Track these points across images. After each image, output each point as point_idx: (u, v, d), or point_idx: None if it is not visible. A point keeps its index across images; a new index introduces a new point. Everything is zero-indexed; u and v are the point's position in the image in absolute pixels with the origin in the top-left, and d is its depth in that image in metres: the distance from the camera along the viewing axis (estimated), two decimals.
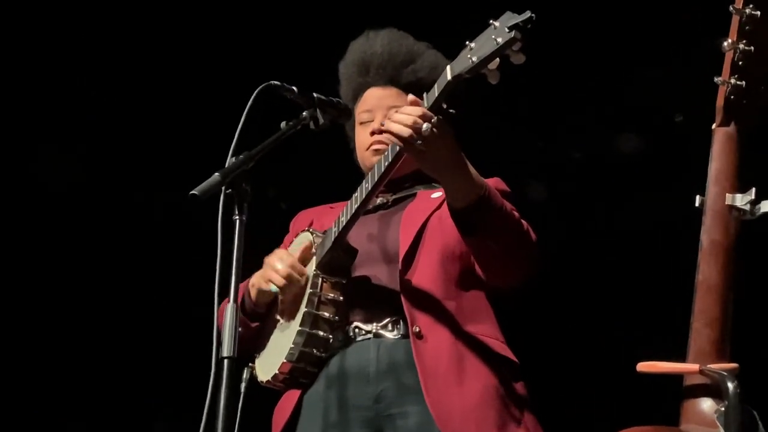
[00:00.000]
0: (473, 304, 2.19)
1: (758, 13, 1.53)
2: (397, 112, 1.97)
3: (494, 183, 2.19)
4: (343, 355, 2.16)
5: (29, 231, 4.09)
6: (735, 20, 1.55)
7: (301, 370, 2.18)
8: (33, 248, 4.11)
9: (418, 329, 2.11)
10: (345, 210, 2.18)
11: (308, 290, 2.17)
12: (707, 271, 1.51)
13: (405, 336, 2.13)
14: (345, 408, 2.12)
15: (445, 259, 2.19)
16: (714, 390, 1.45)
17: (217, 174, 1.84)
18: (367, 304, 2.18)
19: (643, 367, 1.50)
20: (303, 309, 2.15)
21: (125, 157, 4.07)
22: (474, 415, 2.05)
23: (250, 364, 2.28)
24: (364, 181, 2.15)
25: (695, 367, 1.46)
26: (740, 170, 1.56)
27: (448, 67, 1.92)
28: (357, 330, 2.18)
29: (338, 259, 2.19)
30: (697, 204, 1.56)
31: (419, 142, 1.91)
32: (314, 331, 2.14)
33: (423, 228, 2.22)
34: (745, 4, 1.54)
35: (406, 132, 1.92)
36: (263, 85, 1.97)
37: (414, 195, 2.35)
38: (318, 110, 2.05)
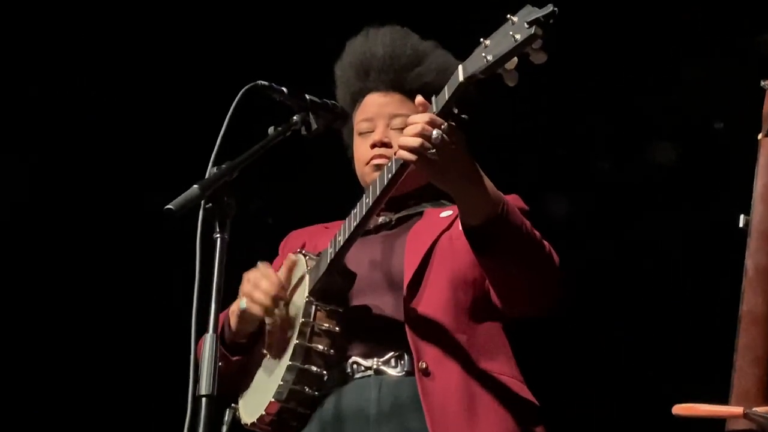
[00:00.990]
0: (487, 337, 2.19)
1: None
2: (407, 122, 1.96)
3: (511, 200, 2.18)
4: (340, 394, 2.15)
5: None
6: None
7: (291, 412, 2.16)
8: None
9: (424, 365, 2.10)
10: (342, 229, 2.17)
11: (300, 319, 2.15)
12: (753, 300, 1.50)
13: (410, 373, 2.12)
14: None
15: (456, 285, 2.18)
16: None
17: (195, 186, 1.83)
18: (367, 336, 2.17)
19: (679, 409, 1.49)
20: (294, 341, 2.14)
21: (88, 165, 4.08)
22: None
23: (232, 405, 2.27)
24: (364, 196, 2.14)
25: (739, 410, 1.44)
26: None
27: (460, 67, 1.91)
28: (355, 366, 2.17)
29: (334, 284, 2.18)
30: (741, 224, 1.55)
31: (431, 151, 1.91)
32: (306, 366, 2.14)
33: (431, 250, 2.21)
34: None
35: (415, 142, 1.91)
36: (249, 85, 1.98)
37: (421, 214, 2.34)
38: (311, 114, 2.05)
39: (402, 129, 2.01)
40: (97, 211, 4.06)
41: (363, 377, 2.15)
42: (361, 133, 2.40)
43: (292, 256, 2.29)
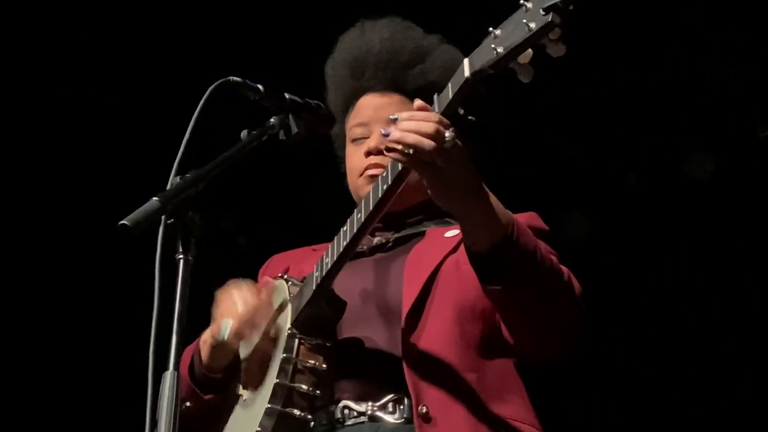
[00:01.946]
0: (499, 376, 2.15)
1: None
2: (404, 119, 1.90)
3: (527, 219, 2.16)
4: None
5: None
6: None
7: None
8: None
9: (425, 410, 2.06)
10: (330, 249, 2.13)
11: (280, 355, 2.12)
12: None
13: (409, 420, 2.08)
14: None
15: (463, 316, 2.15)
16: None
17: (155, 198, 1.80)
18: (360, 376, 2.14)
19: None
20: (273, 380, 2.10)
21: (28, 170, 4.07)
22: None
23: None
24: (355, 211, 2.10)
25: None
26: None
27: (466, 61, 1.87)
28: (346, 410, 2.13)
29: (321, 314, 2.16)
30: None
31: (443, 156, 1.87)
32: (288, 409, 2.09)
33: (434, 276, 2.19)
34: None
35: (427, 144, 1.85)
36: (219, 81, 1.96)
37: (422, 233, 2.32)
38: (291, 116, 2.04)
39: None
40: (40, 226, 4.07)
41: (355, 424, 2.12)
42: (354, 140, 2.40)
43: (272, 281, 2.26)
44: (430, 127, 1.86)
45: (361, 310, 2.19)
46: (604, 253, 3.91)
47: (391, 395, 2.11)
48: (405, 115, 1.91)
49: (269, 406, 2.08)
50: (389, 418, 2.10)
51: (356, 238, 2.10)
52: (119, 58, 3.86)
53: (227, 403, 2.26)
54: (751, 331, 3.75)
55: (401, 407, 2.10)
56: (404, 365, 2.08)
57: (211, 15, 3.76)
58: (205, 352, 2.22)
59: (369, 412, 2.11)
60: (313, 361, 2.11)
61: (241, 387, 2.23)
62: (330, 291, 2.15)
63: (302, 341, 2.12)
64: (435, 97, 1.94)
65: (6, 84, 3.95)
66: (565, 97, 3.81)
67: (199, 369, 2.24)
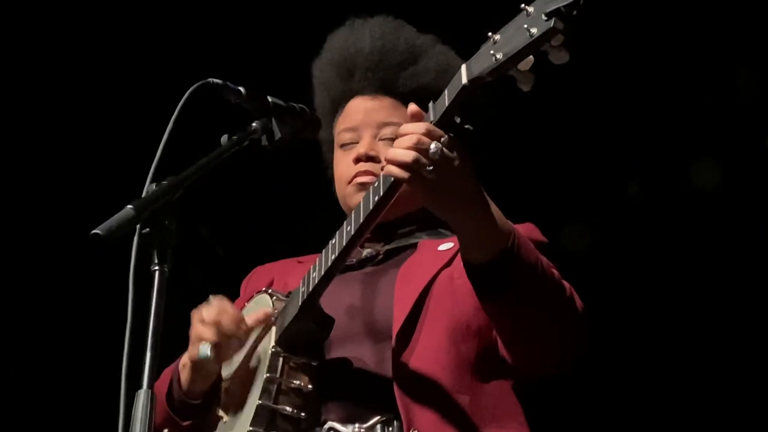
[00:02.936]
0: (495, 398, 2.14)
1: None
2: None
3: (525, 231, 2.14)
4: None
5: None
6: None
7: None
8: None
9: None
10: (317, 263, 2.13)
11: (264, 374, 2.10)
12: None
13: None
14: None
15: (457, 335, 2.14)
16: None
17: (129, 206, 1.78)
18: (347, 397, 2.13)
19: None
20: (256, 401, 2.09)
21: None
22: None
23: None
24: (345, 223, 2.09)
25: None
26: None
27: (464, 67, 1.86)
28: None
29: (307, 331, 2.14)
30: None
31: (428, 168, 1.86)
32: None
33: (426, 291, 2.18)
34: None
35: (409, 156, 1.86)
36: (198, 83, 1.95)
37: (414, 246, 2.32)
38: (274, 120, 2.03)
39: (393, 141, 1.96)
40: (7, 234, 4.06)
41: None
42: (342, 146, 2.39)
43: (255, 296, 2.24)
44: (411, 140, 1.86)
45: (349, 327, 2.18)
46: (605, 265, 3.93)
47: (380, 417, 2.09)
48: (400, 130, 1.91)
49: (251, 429, 2.06)
50: None
51: (345, 252, 2.09)
52: (95, 59, 3.87)
53: (207, 426, 2.24)
54: (759, 344, 3.74)
55: (390, 430, 2.09)
56: (395, 386, 2.07)
57: (190, 13, 3.77)
58: (184, 377, 2.20)
59: None
60: (298, 382, 2.10)
61: (221, 408, 2.21)
62: (316, 307, 2.14)
63: (287, 360, 2.11)
64: (430, 104, 1.92)
65: None
66: (566, 105, 3.83)
67: (177, 394, 2.22)
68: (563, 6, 1.74)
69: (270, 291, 2.24)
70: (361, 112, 2.38)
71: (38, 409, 4.02)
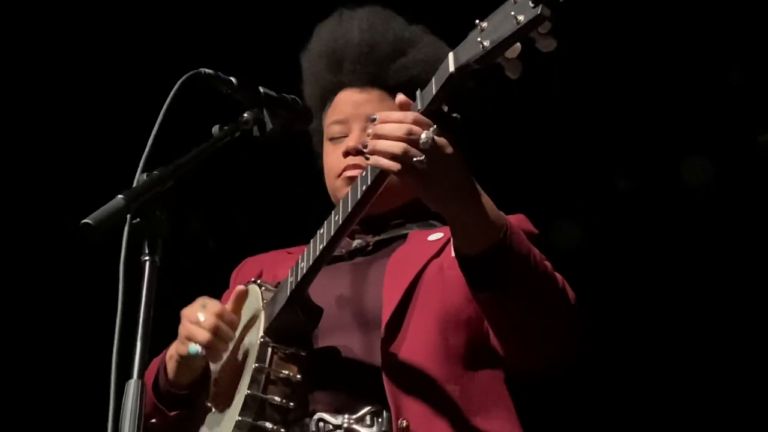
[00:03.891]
0: (485, 389, 2.15)
1: None
2: (377, 121, 1.91)
3: (516, 222, 2.14)
4: None
5: None
6: None
7: None
8: None
9: (405, 423, 2.05)
10: (306, 253, 2.13)
11: (252, 364, 2.11)
12: None
13: None
14: None
15: (447, 325, 2.15)
16: None
17: (120, 196, 1.78)
18: (336, 387, 2.14)
19: None
20: (244, 391, 2.10)
21: None
22: None
23: None
24: (333, 213, 2.09)
25: None
26: None
27: (451, 55, 1.86)
28: (321, 423, 2.12)
29: (295, 321, 2.15)
30: None
31: (419, 158, 1.86)
32: (260, 422, 2.09)
33: (416, 281, 2.18)
34: None
35: (398, 147, 1.86)
36: (189, 73, 1.95)
37: (404, 237, 2.32)
38: (265, 111, 2.02)
39: None
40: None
41: None
42: (332, 139, 2.39)
43: (242, 287, 2.25)
44: (400, 128, 1.86)
45: (339, 317, 2.18)
46: (595, 262, 3.91)
47: (369, 408, 2.10)
48: (381, 116, 1.90)
49: (240, 418, 2.07)
50: None
51: (333, 242, 2.08)
52: (86, 49, 3.85)
53: (195, 416, 2.25)
54: (750, 339, 3.75)
55: (379, 420, 2.09)
56: (384, 376, 2.07)
57: (181, 3, 3.76)
58: (171, 368, 2.21)
59: (345, 425, 2.10)
60: (286, 372, 2.10)
61: (210, 399, 2.22)
62: (305, 297, 2.14)
63: (276, 350, 2.11)
64: (418, 93, 1.92)
65: None
66: (557, 100, 3.82)
67: (164, 385, 2.23)
68: None
69: (259, 282, 2.24)
70: (350, 104, 2.38)
71: (29, 400, 4.01)
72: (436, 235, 2.24)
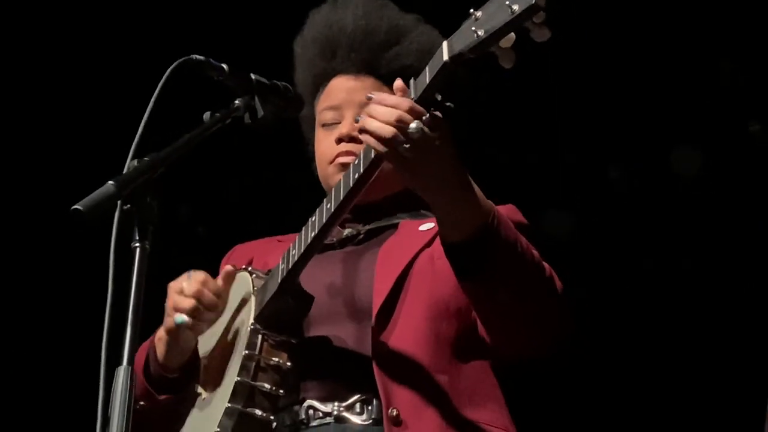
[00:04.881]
0: (474, 379, 2.14)
1: None
2: (373, 102, 1.90)
3: (506, 212, 2.14)
4: None
5: None
6: None
7: None
8: None
9: (395, 412, 2.05)
10: (297, 241, 2.12)
11: (242, 351, 2.10)
12: None
13: (378, 421, 2.07)
14: None
15: (437, 315, 2.15)
16: None
17: (111, 182, 1.77)
18: (326, 375, 2.13)
19: None
20: (234, 378, 2.09)
21: None
22: None
23: None
24: (325, 201, 2.08)
25: None
26: None
27: (445, 44, 1.85)
28: (311, 411, 2.12)
29: (286, 309, 2.14)
30: None
31: (406, 146, 1.85)
32: (249, 409, 2.07)
33: (406, 271, 2.18)
34: None
35: (388, 131, 1.86)
36: (180, 59, 1.94)
37: (395, 226, 2.32)
38: (257, 98, 2.01)
39: None
40: None
41: (320, 425, 2.11)
42: (324, 125, 2.38)
43: (230, 267, 2.23)
44: (392, 114, 1.85)
45: (329, 305, 2.17)
46: (586, 252, 3.92)
47: (359, 396, 2.10)
48: (377, 97, 1.90)
49: (229, 405, 2.06)
50: (356, 420, 2.09)
51: (325, 230, 2.07)
52: (77, 35, 3.83)
53: (185, 402, 2.24)
54: (741, 329, 3.76)
55: (369, 408, 2.09)
56: (374, 365, 2.07)
57: None
58: (160, 350, 2.20)
59: (335, 413, 2.09)
60: (276, 359, 2.10)
61: (199, 385, 2.21)
62: (296, 285, 2.14)
63: (266, 337, 2.11)
64: (411, 81, 1.91)
65: None
66: (548, 90, 3.82)
67: (154, 368, 2.22)
68: None
69: (250, 269, 2.23)
70: (344, 91, 2.36)
71: (17, 386, 4.00)
72: (427, 225, 2.23)
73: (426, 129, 1.85)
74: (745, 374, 3.70)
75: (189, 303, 2.12)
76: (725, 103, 3.81)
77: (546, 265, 2.06)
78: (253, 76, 2.04)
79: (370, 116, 1.88)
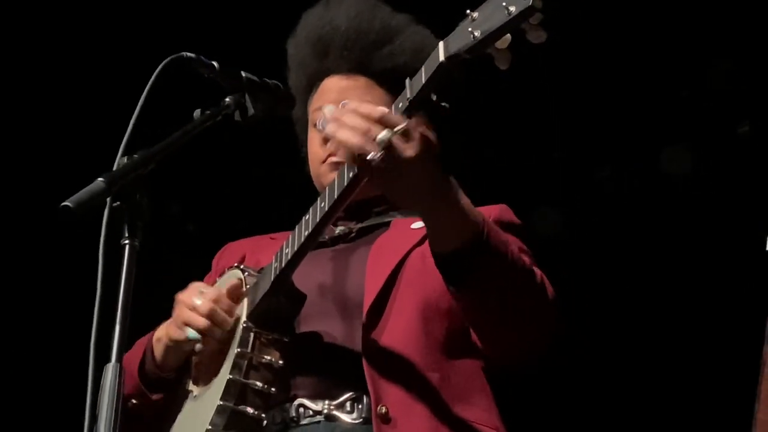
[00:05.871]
0: (464, 377, 2.14)
1: None
2: (347, 109, 1.87)
3: (498, 212, 2.15)
4: None
5: None
6: None
7: None
8: None
9: (385, 410, 2.04)
10: (290, 239, 2.10)
11: (234, 349, 2.09)
12: None
13: (368, 419, 2.07)
14: None
15: (428, 313, 2.14)
16: None
17: (100, 179, 1.76)
18: (317, 373, 2.12)
19: None
20: (226, 375, 2.08)
21: None
22: None
23: None
24: (318, 200, 2.07)
25: None
26: None
27: (441, 44, 1.85)
28: (302, 409, 2.11)
29: (278, 307, 2.14)
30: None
31: (375, 155, 1.82)
32: (241, 407, 2.07)
33: (398, 269, 2.17)
34: None
35: (355, 141, 1.83)
36: (171, 57, 1.93)
37: (387, 224, 2.32)
38: (247, 96, 2.01)
39: None
40: None
41: (311, 423, 2.10)
42: (317, 125, 2.36)
43: (226, 272, 2.23)
44: (361, 123, 1.82)
45: (321, 303, 2.17)
46: (576, 251, 3.93)
47: (350, 394, 2.09)
48: (351, 105, 1.88)
49: (221, 403, 2.06)
50: (346, 418, 2.08)
51: (319, 228, 2.06)
52: (68, 31, 3.82)
53: (176, 399, 2.23)
54: (730, 328, 3.76)
55: (359, 406, 2.08)
56: (364, 363, 2.06)
57: None
58: (158, 351, 2.20)
59: (325, 411, 2.09)
60: (269, 357, 2.10)
61: (191, 382, 2.20)
62: (289, 283, 2.13)
63: (258, 335, 2.10)
64: (407, 81, 1.89)
65: None
66: (539, 89, 3.82)
67: (150, 367, 2.21)
68: None
69: (242, 267, 2.22)
70: (336, 91, 2.36)
71: (6, 383, 3.99)
72: (419, 223, 2.20)
73: (396, 139, 1.81)
74: (734, 373, 3.70)
75: (203, 323, 2.11)
76: (715, 103, 3.82)
77: (538, 271, 2.05)
78: (243, 73, 2.03)
79: (338, 121, 1.85)
